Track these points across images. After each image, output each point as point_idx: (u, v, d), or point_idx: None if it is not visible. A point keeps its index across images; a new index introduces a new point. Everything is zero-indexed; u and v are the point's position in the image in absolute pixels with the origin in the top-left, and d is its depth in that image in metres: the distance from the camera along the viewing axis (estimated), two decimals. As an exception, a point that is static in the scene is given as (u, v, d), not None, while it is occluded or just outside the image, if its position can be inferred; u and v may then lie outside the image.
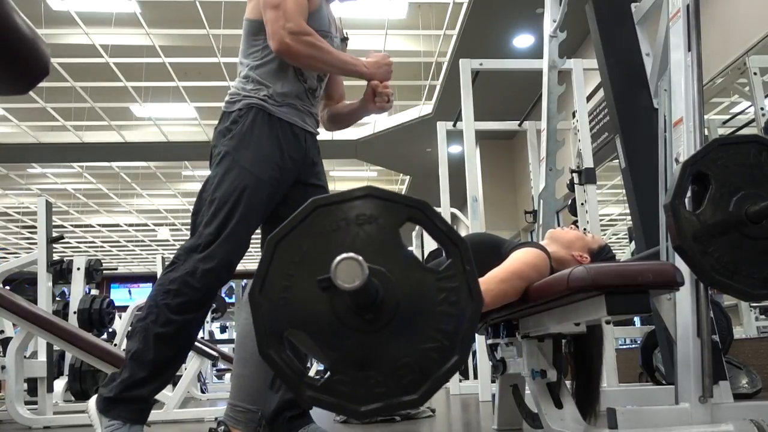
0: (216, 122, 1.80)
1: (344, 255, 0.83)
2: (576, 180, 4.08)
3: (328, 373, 0.91)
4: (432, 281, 0.94)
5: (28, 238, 13.91)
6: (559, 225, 4.13)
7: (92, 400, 1.57)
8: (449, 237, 0.94)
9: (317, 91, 1.85)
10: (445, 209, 5.17)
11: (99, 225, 13.55)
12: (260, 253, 0.98)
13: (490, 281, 1.45)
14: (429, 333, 0.93)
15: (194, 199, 1.72)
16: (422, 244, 5.39)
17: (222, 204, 1.62)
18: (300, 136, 1.77)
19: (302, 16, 1.66)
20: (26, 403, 3.21)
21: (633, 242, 3.92)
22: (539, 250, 1.58)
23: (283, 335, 0.92)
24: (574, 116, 4.44)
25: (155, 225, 13.44)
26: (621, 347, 5.16)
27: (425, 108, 7.83)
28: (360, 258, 0.82)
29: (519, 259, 1.52)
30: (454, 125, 5.15)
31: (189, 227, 1.70)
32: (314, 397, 0.91)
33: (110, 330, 5.60)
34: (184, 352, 1.64)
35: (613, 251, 1.80)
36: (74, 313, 4.49)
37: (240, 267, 1.72)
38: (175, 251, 1.69)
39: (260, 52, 1.75)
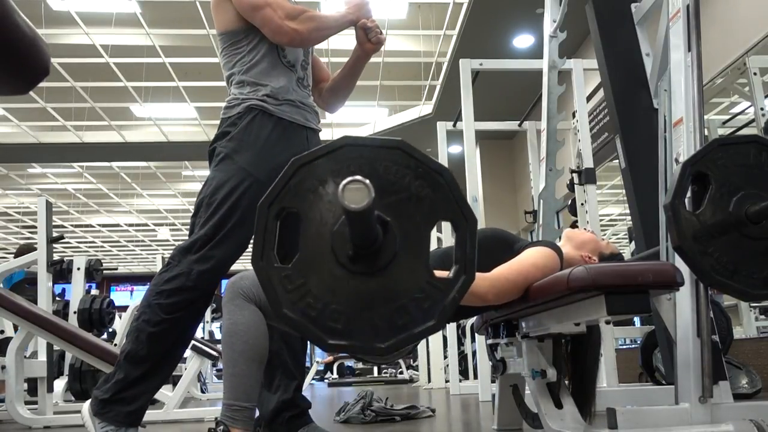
0: (216, 122, 1.81)
1: (354, 177, 0.84)
2: (576, 180, 4.08)
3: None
4: (424, 278, 0.95)
5: (28, 238, 13.90)
6: (559, 225, 4.14)
7: (86, 405, 1.57)
8: (465, 264, 0.96)
9: (305, 80, 1.87)
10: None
11: (99, 225, 13.55)
12: None
13: (495, 278, 1.45)
14: (383, 310, 0.95)
15: (194, 199, 1.72)
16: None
17: (220, 205, 1.62)
18: (302, 134, 1.78)
19: (286, 8, 1.69)
20: (26, 403, 3.21)
21: (633, 242, 3.92)
22: (551, 250, 1.56)
23: (282, 209, 0.96)
24: (574, 116, 4.44)
25: (155, 225, 13.44)
26: (621, 347, 5.16)
27: (425, 108, 7.83)
28: (368, 182, 0.83)
29: (527, 259, 1.51)
30: (454, 125, 5.15)
31: (188, 227, 1.71)
32: (262, 267, 0.95)
33: (110, 330, 5.60)
34: (178, 349, 1.64)
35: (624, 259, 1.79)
36: (74, 313, 4.49)
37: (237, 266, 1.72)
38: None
39: (247, 56, 1.77)
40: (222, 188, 1.63)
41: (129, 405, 1.54)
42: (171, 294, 1.56)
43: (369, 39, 1.86)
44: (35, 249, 5.23)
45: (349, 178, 0.83)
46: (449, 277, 0.95)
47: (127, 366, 1.55)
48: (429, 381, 6.25)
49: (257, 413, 1.67)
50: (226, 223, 1.60)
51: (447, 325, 5.13)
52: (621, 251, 1.80)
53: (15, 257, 4.78)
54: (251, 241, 1.69)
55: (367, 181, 0.83)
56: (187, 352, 5.22)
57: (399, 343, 0.94)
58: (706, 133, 1.87)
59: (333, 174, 0.96)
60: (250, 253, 0.99)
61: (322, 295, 0.94)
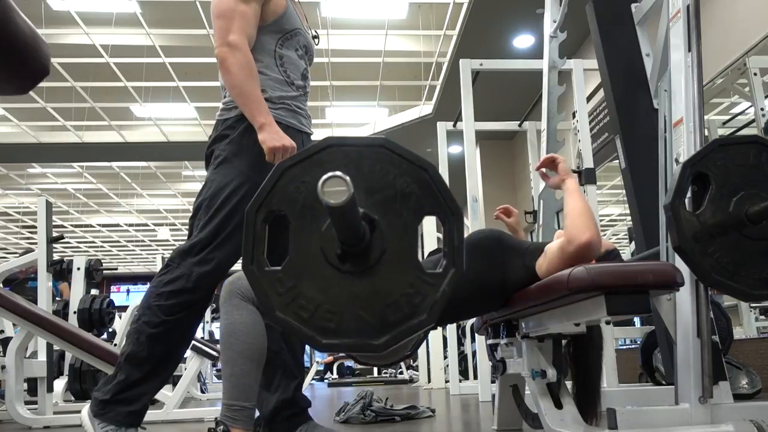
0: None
1: (332, 173, 0.84)
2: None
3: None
4: (414, 273, 0.96)
5: (28, 238, 13.91)
6: (559, 225, 4.13)
7: (85, 409, 1.57)
8: (453, 257, 0.96)
9: (305, 89, 1.86)
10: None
11: (99, 225, 13.55)
12: None
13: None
14: (375, 307, 0.95)
15: (194, 200, 1.72)
16: (422, 245, 5.39)
17: (220, 208, 1.62)
18: (297, 138, 1.78)
19: (245, 34, 1.67)
20: (26, 403, 3.21)
21: (633, 242, 3.92)
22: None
23: (270, 212, 0.97)
24: (574, 116, 4.44)
25: (155, 225, 13.44)
26: (621, 347, 5.16)
27: (425, 108, 7.83)
28: (347, 178, 0.83)
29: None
30: (454, 125, 5.15)
31: (188, 229, 1.71)
32: (252, 272, 0.96)
33: (110, 330, 5.60)
34: (179, 349, 1.64)
35: (621, 255, 1.79)
36: (74, 313, 4.49)
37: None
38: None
39: None
40: (222, 191, 1.64)
41: (130, 405, 1.54)
42: (171, 296, 1.57)
43: None
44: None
45: (328, 174, 0.84)
46: (439, 272, 0.96)
47: (128, 367, 1.55)
48: (429, 381, 6.25)
49: (257, 413, 1.67)
50: (226, 226, 1.61)
51: (448, 324, 5.12)
52: (619, 249, 1.80)
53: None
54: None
55: (347, 177, 0.83)
56: (187, 352, 5.21)
57: (393, 339, 0.95)
58: (706, 133, 1.87)
59: (317, 175, 0.95)
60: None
61: (314, 296, 0.95)
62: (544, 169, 1.70)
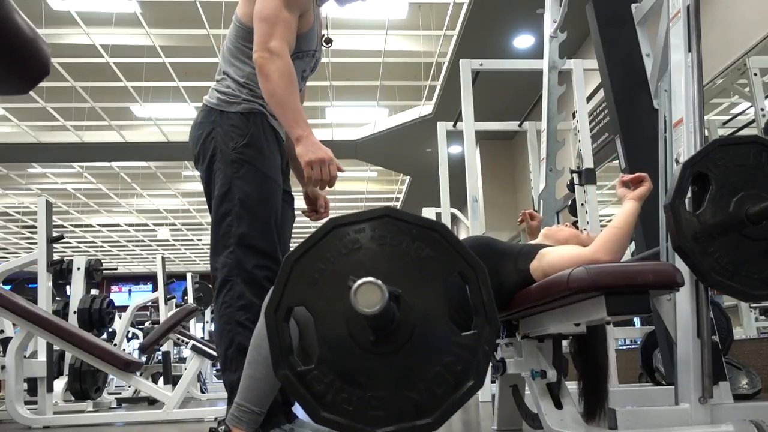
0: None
1: (365, 279, 0.82)
2: (576, 180, 4.08)
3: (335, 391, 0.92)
4: (450, 339, 0.92)
5: (28, 238, 13.91)
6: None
7: None
8: (486, 314, 0.94)
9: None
10: (445, 209, 5.17)
11: (99, 225, 13.54)
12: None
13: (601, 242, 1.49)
14: (419, 384, 0.91)
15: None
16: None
17: (257, 208, 1.63)
18: (283, 144, 1.80)
19: (287, 41, 1.63)
20: (26, 403, 3.21)
21: (633, 242, 3.92)
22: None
23: (289, 309, 0.94)
24: (574, 117, 4.44)
25: (155, 225, 13.43)
26: (621, 347, 5.16)
27: (425, 108, 7.83)
28: (380, 282, 0.81)
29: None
30: (454, 125, 5.15)
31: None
32: (286, 376, 0.92)
33: (110, 330, 5.60)
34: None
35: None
36: (74, 313, 4.49)
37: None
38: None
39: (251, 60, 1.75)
40: (254, 193, 1.63)
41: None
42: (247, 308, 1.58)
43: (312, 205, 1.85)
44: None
45: (360, 282, 0.81)
46: (475, 332, 0.93)
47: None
48: (429, 381, 6.25)
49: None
50: (270, 227, 1.64)
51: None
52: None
53: None
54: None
55: (379, 282, 0.81)
56: (187, 352, 5.21)
57: (446, 412, 0.91)
58: (706, 133, 1.87)
59: (328, 261, 0.94)
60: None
61: (355, 385, 0.91)
62: (627, 180, 1.67)
